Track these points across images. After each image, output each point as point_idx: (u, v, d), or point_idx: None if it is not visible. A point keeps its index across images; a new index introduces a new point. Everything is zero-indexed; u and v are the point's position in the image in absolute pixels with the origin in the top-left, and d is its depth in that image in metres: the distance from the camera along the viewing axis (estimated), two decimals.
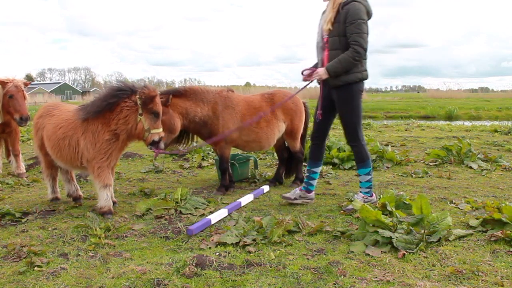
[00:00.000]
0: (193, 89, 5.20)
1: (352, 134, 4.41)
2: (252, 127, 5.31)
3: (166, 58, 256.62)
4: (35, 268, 3.07)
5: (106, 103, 4.17)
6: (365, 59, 4.28)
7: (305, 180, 4.79)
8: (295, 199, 4.70)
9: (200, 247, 3.47)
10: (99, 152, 4.22)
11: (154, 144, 4.28)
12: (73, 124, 4.37)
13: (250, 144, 5.46)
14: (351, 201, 4.57)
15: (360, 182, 4.60)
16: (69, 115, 4.51)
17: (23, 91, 6.20)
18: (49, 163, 4.84)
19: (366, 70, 4.34)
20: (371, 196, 4.58)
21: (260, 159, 7.82)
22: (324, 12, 4.40)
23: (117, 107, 4.19)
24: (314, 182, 4.77)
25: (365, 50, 4.15)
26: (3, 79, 6.10)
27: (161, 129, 4.31)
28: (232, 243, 3.47)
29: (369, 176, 4.53)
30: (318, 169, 4.76)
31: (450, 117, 24.11)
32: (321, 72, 4.24)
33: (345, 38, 4.13)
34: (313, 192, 4.81)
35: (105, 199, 4.34)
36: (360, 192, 4.60)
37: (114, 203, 4.66)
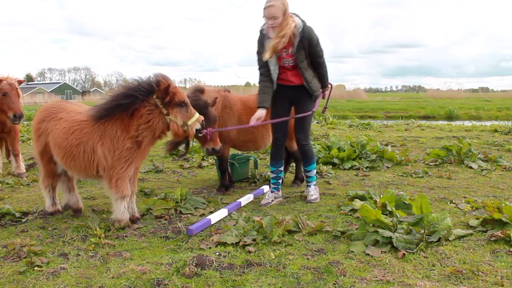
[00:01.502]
0: (203, 89, 5.27)
1: (308, 133, 4.84)
2: (248, 127, 5.32)
3: (166, 58, 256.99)
4: (35, 268, 3.08)
5: (117, 103, 3.79)
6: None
7: (274, 181, 4.94)
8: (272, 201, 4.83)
9: (200, 247, 3.47)
10: (118, 161, 3.83)
11: (199, 132, 3.97)
12: (88, 128, 3.92)
13: (246, 144, 5.50)
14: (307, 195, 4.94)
15: (310, 177, 4.94)
16: (81, 118, 4.04)
17: (17, 88, 6.19)
18: (50, 172, 4.33)
19: None
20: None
21: (260, 159, 7.82)
22: (266, 39, 4.49)
23: (135, 111, 3.79)
24: (281, 182, 5.03)
25: None
26: None
27: (196, 115, 3.91)
28: (232, 243, 3.47)
29: (315, 171, 5.02)
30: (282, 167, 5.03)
31: (450, 117, 24.09)
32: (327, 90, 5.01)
33: (310, 59, 4.59)
34: (281, 191, 5.04)
35: (122, 211, 3.99)
36: (314, 184, 4.96)
37: (137, 219, 4.16)
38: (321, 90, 4.87)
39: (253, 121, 4.56)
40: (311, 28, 4.48)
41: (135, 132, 3.80)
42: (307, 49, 4.45)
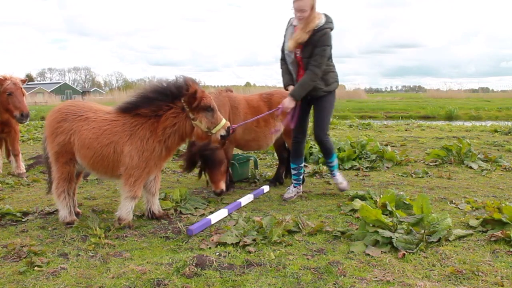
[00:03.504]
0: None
1: (326, 129, 4.98)
2: (252, 126, 5.34)
3: (166, 58, 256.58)
4: (35, 268, 3.08)
5: (143, 98, 3.88)
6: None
7: (296, 177, 5.16)
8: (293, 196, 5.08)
9: (200, 247, 3.47)
10: (143, 162, 3.84)
11: (224, 138, 4.05)
12: (119, 127, 3.89)
13: (249, 143, 5.51)
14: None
15: (333, 166, 5.15)
16: (111, 117, 3.97)
17: (21, 88, 6.20)
18: (67, 175, 4.05)
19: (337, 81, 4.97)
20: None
21: (260, 159, 7.82)
22: (290, 25, 4.75)
23: (162, 114, 3.85)
24: (302, 176, 5.27)
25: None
26: (1, 77, 6.10)
27: (223, 121, 3.94)
28: (232, 243, 3.47)
29: (337, 160, 5.22)
30: (303, 164, 5.25)
31: (450, 117, 24.06)
32: (287, 102, 4.67)
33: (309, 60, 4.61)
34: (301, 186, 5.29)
35: (127, 211, 3.98)
36: (337, 171, 5.19)
37: (158, 217, 4.25)
38: (289, 98, 4.63)
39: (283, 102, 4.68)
40: (328, 32, 4.54)
41: (162, 135, 3.85)
42: (314, 47, 4.52)
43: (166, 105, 3.86)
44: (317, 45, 4.51)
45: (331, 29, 4.59)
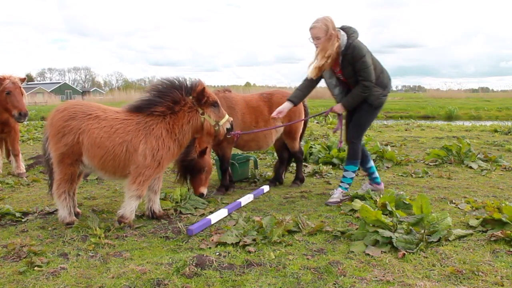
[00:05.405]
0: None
1: (359, 133, 4.85)
2: (251, 126, 5.33)
3: (166, 58, 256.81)
4: (35, 268, 3.08)
5: (158, 95, 3.96)
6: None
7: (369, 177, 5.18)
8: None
9: (200, 247, 3.47)
10: (156, 161, 3.86)
11: (229, 131, 4.25)
12: (132, 126, 3.87)
13: (249, 143, 5.49)
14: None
15: (344, 177, 4.94)
16: (123, 116, 3.96)
17: (20, 87, 6.20)
18: (70, 176, 3.99)
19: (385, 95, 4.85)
20: (347, 190, 4.94)
21: (260, 159, 7.82)
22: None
23: (179, 111, 3.95)
24: (376, 174, 5.16)
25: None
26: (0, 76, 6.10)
27: (226, 116, 4.18)
28: (232, 243, 3.47)
29: (354, 175, 4.98)
30: (371, 163, 5.16)
31: (450, 117, 24.07)
32: (338, 108, 4.81)
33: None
34: (382, 184, 5.22)
35: (131, 210, 3.98)
36: (345, 188, 4.90)
37: (163, 215, 4.33)
38: (340, 105, 4.75)
39: (275, 113, 4.80)
40: (356, 44, 4.47)
41: (179, 133, 3.95)
42: (353, 65, 4.52)
43: (183, 100, 3.98)
44: (354, 62, 4.48)
45: (356, 37, 4.52)
